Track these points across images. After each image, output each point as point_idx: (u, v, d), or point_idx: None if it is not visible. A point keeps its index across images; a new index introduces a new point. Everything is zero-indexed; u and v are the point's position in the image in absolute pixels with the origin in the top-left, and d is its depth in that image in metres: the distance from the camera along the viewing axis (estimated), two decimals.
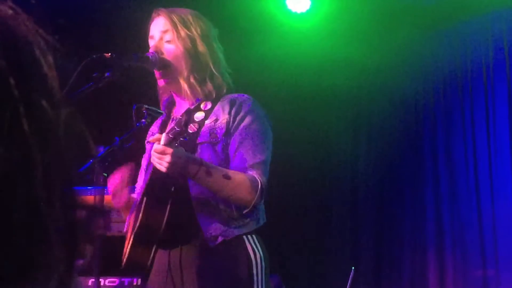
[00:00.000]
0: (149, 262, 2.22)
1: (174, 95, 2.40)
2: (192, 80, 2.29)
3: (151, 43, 2.34)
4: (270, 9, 5.08)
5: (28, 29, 0.51)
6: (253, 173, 2.19)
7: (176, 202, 2.18)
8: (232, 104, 2.29)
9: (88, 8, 4.41)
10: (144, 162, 2.47)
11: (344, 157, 5.72)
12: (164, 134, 2.06)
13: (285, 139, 4.94)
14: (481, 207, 4.84)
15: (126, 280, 3.48)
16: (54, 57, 0.52)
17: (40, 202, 0.46)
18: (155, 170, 2.12)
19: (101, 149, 2.45)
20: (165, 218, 2.16)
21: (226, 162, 2.24)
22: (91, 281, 3.28)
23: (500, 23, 4.93)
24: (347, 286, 3.74)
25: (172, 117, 2.42)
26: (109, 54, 2.10)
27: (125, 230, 2.36)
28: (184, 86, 2.29)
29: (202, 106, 2.26)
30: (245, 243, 2.21)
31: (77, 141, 0.52)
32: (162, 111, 2.47)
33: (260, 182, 2.19)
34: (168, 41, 2.30)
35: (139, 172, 2.50)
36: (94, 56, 2.04)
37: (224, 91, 2.33)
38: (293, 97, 5.41)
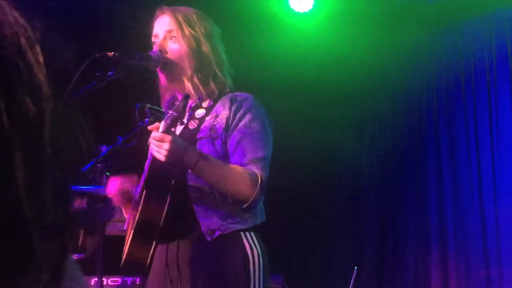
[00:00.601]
0: (149, 258, 2.21)
1: (177, 94, 2.39)
2: (195, 80, 2.29)
3: (155, 41, 2.33)
4: (273, 9, 5.08)
5: (16, 19, 0.49)
6: (253, 168, 2.18)
7: (175, 196, 2.17)
8: (232, 101, 2.28)
9: (90, 5, 4.41)
10: (146, 165, 2.46)
11: (347, 156, 5.71)
12: (162, 122, 2.04)
13: (288, 138, 4.94)
14: (484, 207, 4.83)
15: (128, 280, 3.48)
16: (43, 50, 0.50)
17: (23, 200, 0.44)
18: (154, 160, 2.10)
19: (104, 149, 2.45)
20: (165, 211, 2.15)
21: (225, 157, 2.23)
22: (93, 280, 3.28)
23: (504, 23, 4.91)
24: (350, 286, 3.74)
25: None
26: (112, 53, 2.09)
27: (125, 227, 2.36)
28: (188, 85, 2.29)
29: (203, 103, 2.26)
30: (242, 239, 2.20)
31: (72, 137, 0.50)
32: (164, 111, 2.47)
33: (260, 176, 2.17)
34: (172, 40, 2.30)
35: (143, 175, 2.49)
36: (97, 55, 2.04)
37: (227, 90, 2.33)
38: (296, 96, 5.40)
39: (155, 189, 2.19)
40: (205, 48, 2.30)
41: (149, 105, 2.52)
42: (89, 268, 2.50)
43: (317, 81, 5.39)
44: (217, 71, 2.32)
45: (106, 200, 2.34)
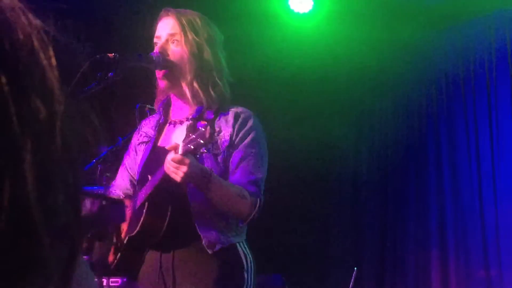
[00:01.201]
0: (140, 264, 2.28)
1: (173, 98, 2.39)
2: (195, 85, 2.28)
3: (157, 42, 2.32)
4: (272, 10, 5.08)
5: (29, 21, 0.49)
6: (254, 190, 2.25)
7: (175, 209, 2.21)
8: (236, 118, 2.30)
9: (92, 6, 4.40)
10: (132, 163, 2.46)
11: (347, 156, 5.72)
12: (182, 144, 2.03)
13: (286, 138, 4.95)
14: (484, 207, 4.82)
15: None
16: (56, 52, 0.50)
17: (34, 202, 0.44)
18: (167, 178, 2.10)
19: (104, 149, 2.45)
20: (165, 224, 2.19)
21: (225, 173, 2.26)
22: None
23: (503, 23, 4.92)
24: (350, 286, 3.74)
25: (169, 120, 2.40)
26: (113, 54, 2.09)
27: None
28: (186, 90, 2.29)
29: (204, 115, 2.26)
30: (237, 249, 2.27)
31: (82, 139, 0.51)
32: (155, 111, 2.47)
33: (260, 199, 2.25)
34: (174, 44, 2.29)
35: (120, 171, 2.50)
36: (98, 56, 2.04)
37: (227, 101, 2.34)
38: (295, 95, 5.41)
39: (157, 201, 2.22)
40: (207, 54, 2.30)
41: (149, 106, 2.52)
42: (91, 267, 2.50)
43: (316, 81, 5.40)
44: (216, 79, 2.32)
45: (118, 202, 2.34)
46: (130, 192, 2.45)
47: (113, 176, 2.51)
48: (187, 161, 2.02)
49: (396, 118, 5.45)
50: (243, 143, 2.27)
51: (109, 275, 3.44)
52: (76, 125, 0.50)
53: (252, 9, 4.89)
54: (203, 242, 2.19)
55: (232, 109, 2.32)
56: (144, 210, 2.20)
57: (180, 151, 2.03)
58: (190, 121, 2.16)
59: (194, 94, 2.28)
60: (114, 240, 2.31)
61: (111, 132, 2.38)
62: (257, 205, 2.24)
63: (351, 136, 5.72)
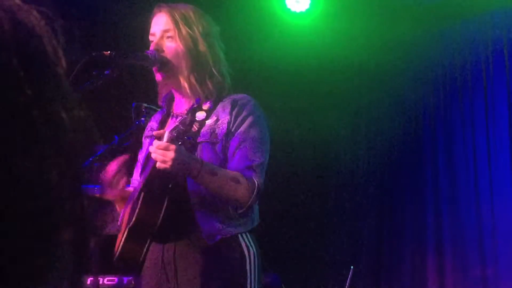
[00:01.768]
0: (142, 256, 2.24)
1: (173, 91, 2.39)
2: (192, 79, 2.28)
3: (152, 40, 2.32)
4: (269, 8, 5.08)
5: (38, 22, 0.49)
6: (251, 175, 2.21)
7: (173, 199, 2.19)
8: (233, 104, 2.29)
9: (87, 4, 4.40)
10: (141, 157, 2.47)
11: (344, 156, 5.71)
12: (167, 132, 2.05)
13: (284, 138, 4.94)
14: (481, 207, 4.83)
15: (125, 279, 3.47)
16: (64, 53, 0.50)
17: (54, 206, 0.44)
18: (155, 166, 2.11)
19: (100, 148, 2.45)
20: (162, 214, 2.17)
21: (225, 161, 2.25)
22: (89, 279, 3.28)
23: (500, 23, 4.92)
24: (346, 285, 3.74)
25: (172, 113, 2.41)
26: (108, 52, 2.09)
27: (119, 223, 2.36)
28: (184, 84, 2.29)
29: (203, 105, 2.26)
30: (239, 241, 2.24)
31: (86, 141, 0.50)
32: (160, 107, 2.47)
33: (257, 184, 2.21)
34: (169, 40, 2.29)
35: (136, 166, 2.50)
36: (93, 54, 2.03)
37: (226, 91, 2.33)
38: (292, 95, 5.41)
39: (153, 191, 2.21)
40: (202, 47, 2.29)
41: (146, 104, 2.52)
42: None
43: (313, 80, 5.39)
44: (214, 70, 2.31)
45: (102, 200, 2.34)
46: None
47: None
48: (172, 147, 2.02)
49: (392, 116, 5.45)
50: (240, 129, 2.25)
51: (106, 273, 3.44)
52: (84, 125, 0.50)
53: (249, 8, 4.89)
54: (204, 233, 2.18)
55: (231, 97, 2.32)
56: (139, 201, 2.19)
57: (165, 138, 2.04)
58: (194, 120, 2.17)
59: (192, 88, 2.28)
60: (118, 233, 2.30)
61: (108, 130, 2.38)
62: (255, 191, 2.20)
63: (347, 136, 5.72)
